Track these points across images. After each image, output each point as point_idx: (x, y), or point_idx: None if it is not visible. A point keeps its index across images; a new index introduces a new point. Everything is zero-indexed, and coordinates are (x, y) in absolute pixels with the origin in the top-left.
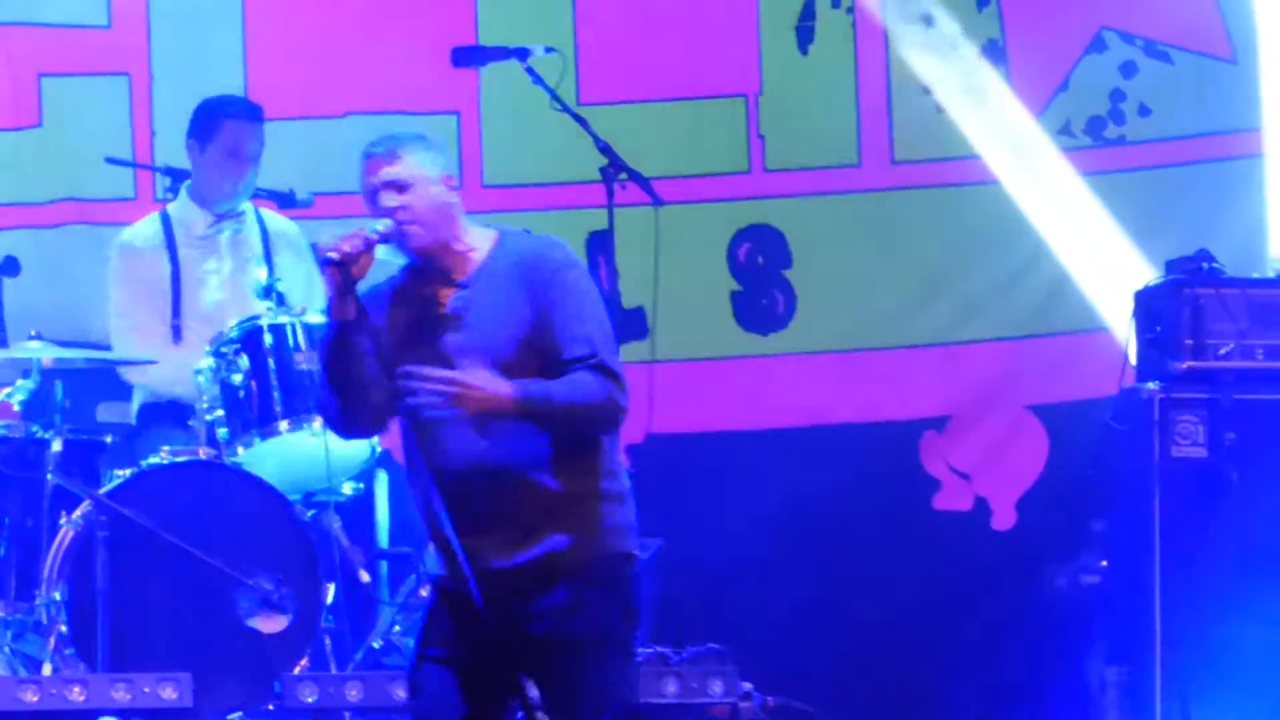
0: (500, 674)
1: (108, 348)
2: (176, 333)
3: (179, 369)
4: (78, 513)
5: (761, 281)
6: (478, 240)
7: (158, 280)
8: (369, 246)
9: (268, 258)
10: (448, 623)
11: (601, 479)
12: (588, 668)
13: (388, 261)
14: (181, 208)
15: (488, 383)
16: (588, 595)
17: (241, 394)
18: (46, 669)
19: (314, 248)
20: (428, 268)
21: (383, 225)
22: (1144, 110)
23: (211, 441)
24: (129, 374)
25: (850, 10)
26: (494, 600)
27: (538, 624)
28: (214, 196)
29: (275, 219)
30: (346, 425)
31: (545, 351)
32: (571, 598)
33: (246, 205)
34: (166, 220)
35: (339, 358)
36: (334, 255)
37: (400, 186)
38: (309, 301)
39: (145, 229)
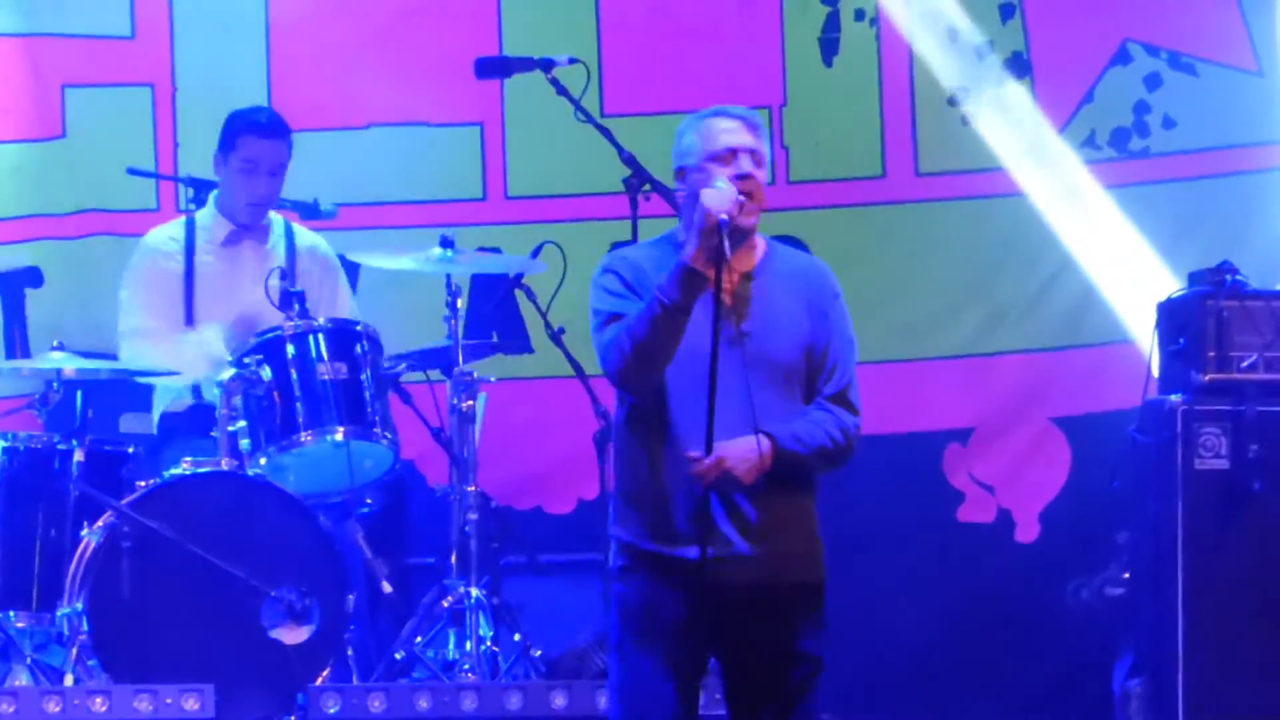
0: None
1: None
2: (189, 318)
3: (196, 347)
4: (100, 523)
5: None
6: (756, 239)
7: (171, 279)
8: (743, 214)
9: (291, 268)
10: None
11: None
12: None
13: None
14: (208, 216)
15: (750, 452)
16: None
17: (264, 404)
18: (68, 680)
19: (701, 205)
20: (719, 253)
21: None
22: (1168, 122)
23: (234, 452)
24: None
25: (874, 23)
26: None
27: None
28: (234, 209)
29: (305, 234)
30: (643, 380)
31: (812, 366)
32: None
33: (274, 218)
34: (191, 225)
35: (686, 312)
36: (726, 217)
37: (759, 160)
38: (332, 311)
39: (169, 230)
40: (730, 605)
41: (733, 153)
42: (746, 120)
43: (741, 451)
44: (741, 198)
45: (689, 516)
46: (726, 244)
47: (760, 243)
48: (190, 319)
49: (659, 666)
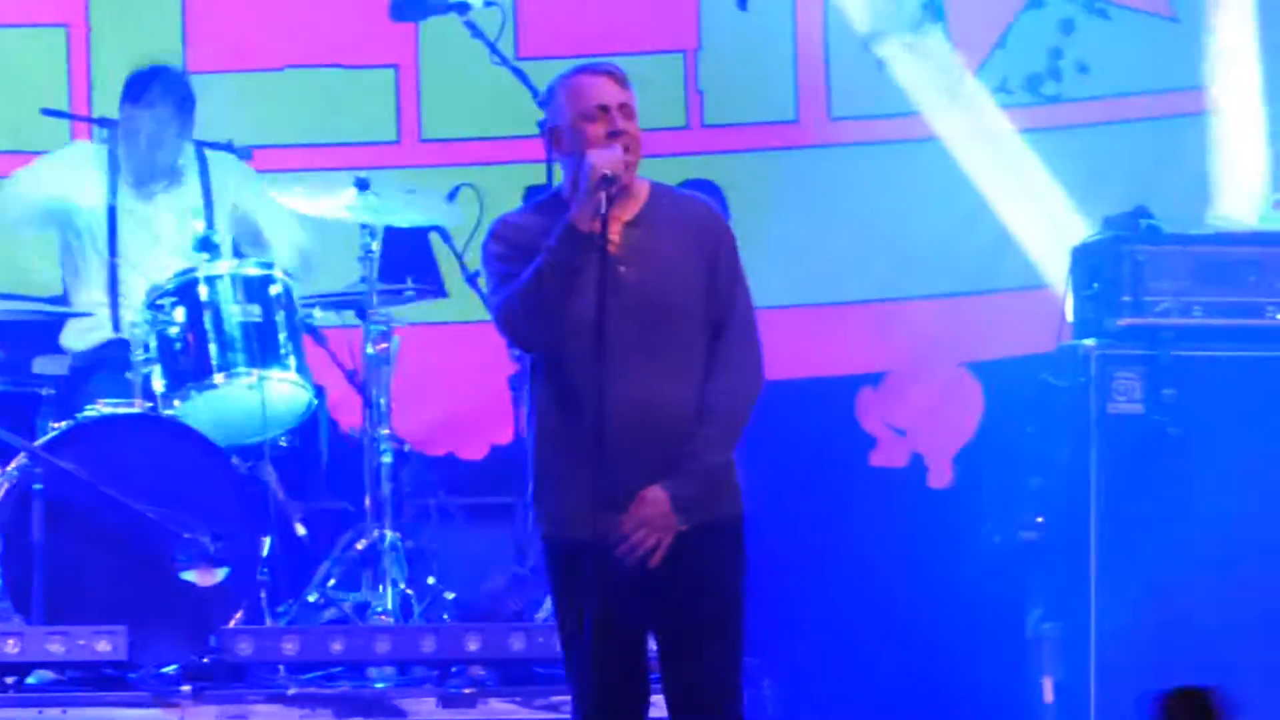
0: None
1: (46, 300)
2: (113, 271)
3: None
4: (13, 465)
5: None
6: (639, 186)
7: (95, 211)
8: (626, 170)
9: (208, 208)
10: None
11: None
12: None
13: None
14: (121, 158)
15: (666, 513)
16: None
17: (178, 346)
18: None
19: (588, 165)
20: (599, 204)
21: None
22: (1082, 67)
23: (147, 394)
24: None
25: None
26: None
27: None
28: (130, 166)
29: (222, 162)
30: (533, 338)
31: (709, 306)
32: None
33: (189, 158)
34: (113, 156)
35: (573, 272)
36: (611, 174)
37: (629, 112)
38: (279, 222)
39: (90, 147)
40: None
41: (603, 109)
42: (613, 74)
43: (655, 524)
44: (626, 156)
45: (586, 495)
46: (604, 203)
47: (643, 188)
48: (114, 251)
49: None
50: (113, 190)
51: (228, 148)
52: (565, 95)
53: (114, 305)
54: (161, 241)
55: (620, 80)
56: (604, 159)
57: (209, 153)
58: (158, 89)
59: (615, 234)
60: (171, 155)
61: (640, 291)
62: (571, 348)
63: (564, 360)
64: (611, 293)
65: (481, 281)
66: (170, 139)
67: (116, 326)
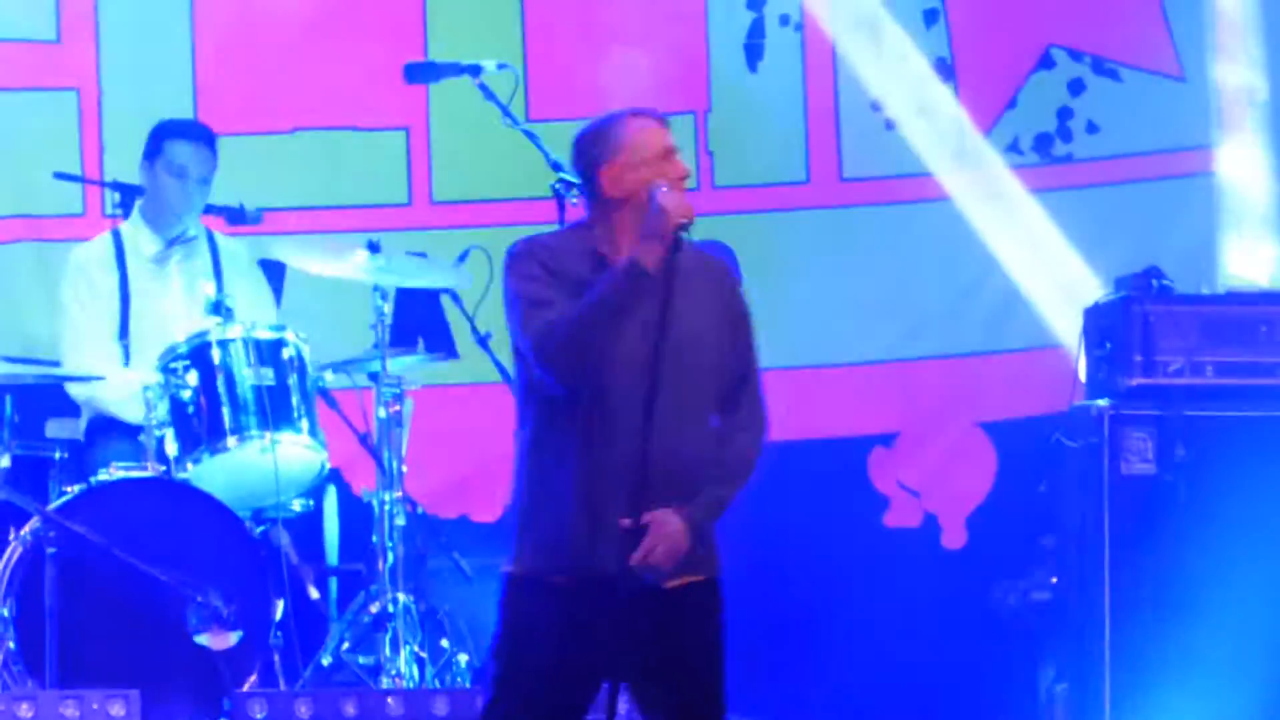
0: None
1: (56, 363)
2: (125, 353)
3: (126, 388)
4: (26, 529)
5: None
6: None
7: (108, 298)
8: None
9: (217, 275)
10: None
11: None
12: None
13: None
14: (133, 227)
15: (679, 530)
16: None
17: (190, 410)
18: None
19: (659, 205)
20: (670, 246)
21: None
22: (1092, 127)
23: (161, 457)
24: (76, 393)
25: (799, 28)
26: None
27: None
28: (160, 218)
29: (227, 241)
30: (576, 370)
31: (726, 364)
32: None
33: (198, 227)
34: (118, 239)
35: (631, 309)
36: (687, 220)
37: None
38: (259, 318)
39: (96, 248)
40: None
41: (670, 152)
42: (666, 122)
43: (671, 541)
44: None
45: (610, 534)
46: (675, 246)
47: None
48: (125, 333)
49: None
50: (121, 267)
51: (238, 211)
52: (624, 133)
53: None
54: (174, 306)
55: (668, 125)
56: (677, 202)
57: (214, 231)
58: (195, 129)
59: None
60: (200, 200)
61: (672, 337)
62: (609, 385)
63: (599, 397)
64: (642, 343)
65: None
66: (205, 179)
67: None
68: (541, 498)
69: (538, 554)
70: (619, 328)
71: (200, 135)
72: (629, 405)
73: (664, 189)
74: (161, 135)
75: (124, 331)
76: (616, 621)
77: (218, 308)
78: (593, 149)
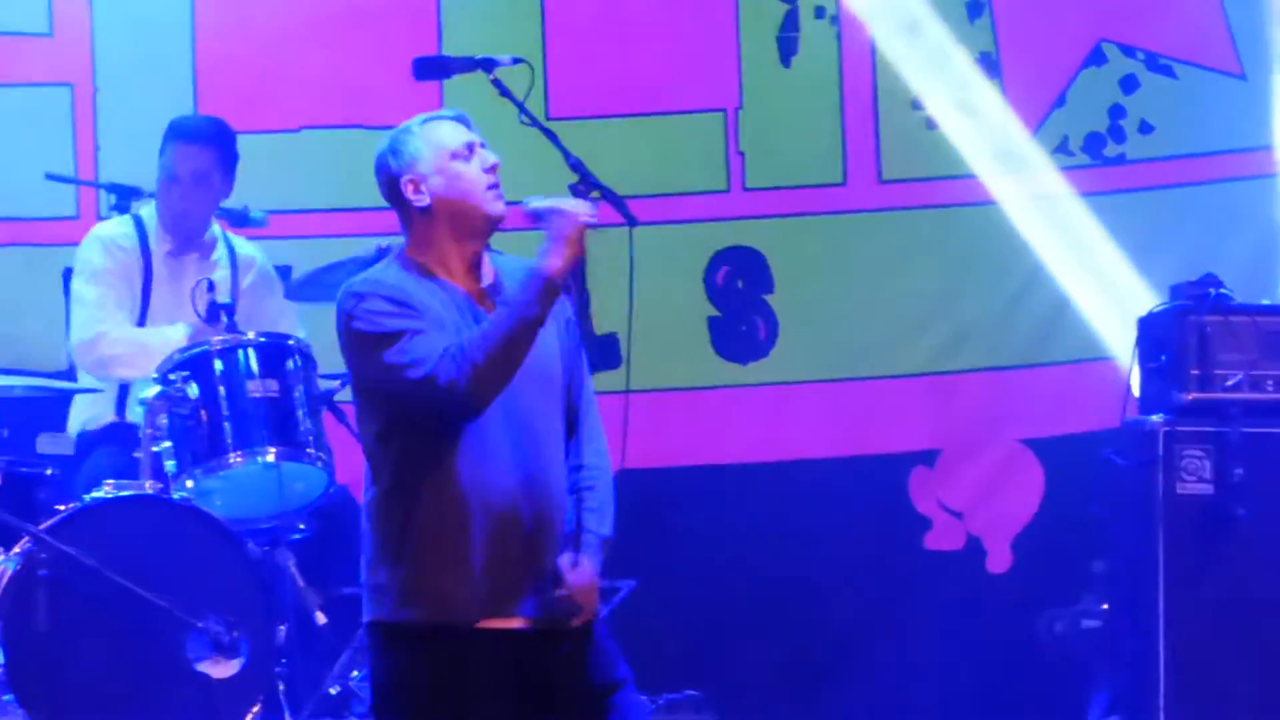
0: None
1: (48, 375)
2: (142, 320)
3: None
4: (16, 550)
5: (741, 307)
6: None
7: (132, 278)
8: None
9: (234, 280)
10: None
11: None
12: None
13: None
14: (151, 218)
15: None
16: None
17: (190, 423)
18: None
19: (568, 214)
20: (582, 253)
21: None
22: (1145, 127)
23: (158, 474)
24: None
25: (835, 21)
26: None
27: None
28: (166, 222)
29: (244, 245)
30: (489, 401)
31: (567, 377)
32: None
33: (215, 230)
34: (140, 224)
35: (536, 333)
36: (593, 220)
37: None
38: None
39: (122, 228)
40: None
41: (470, 147)
42: (462, 118)
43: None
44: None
45: (510, 577)
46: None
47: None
48: (143, 322)
49: None
50: (146, 261)
51: (243, 214)
52: (424, 141)
53: (122, 388)
54: (187, 308)
55: (469, 124)
56: (585, 207)
57: (232, 236)
58: (209, 128)
59: (480, 300)
60: (213, 203)
61: (545, 360)
62: (491, 415)
63: (475, 429)
64: None
65: None
66: (216, 184)
67: (120, 410)
68: (423, 543)
69: (432, 606)
70: (532, 343)
71: (193, 134)
72: (509, 432)
73: (541, 200)
74: (166, 136)
75: (142, 319)
76: (513, 668)
77: (217, 313)
78: (390, 165)
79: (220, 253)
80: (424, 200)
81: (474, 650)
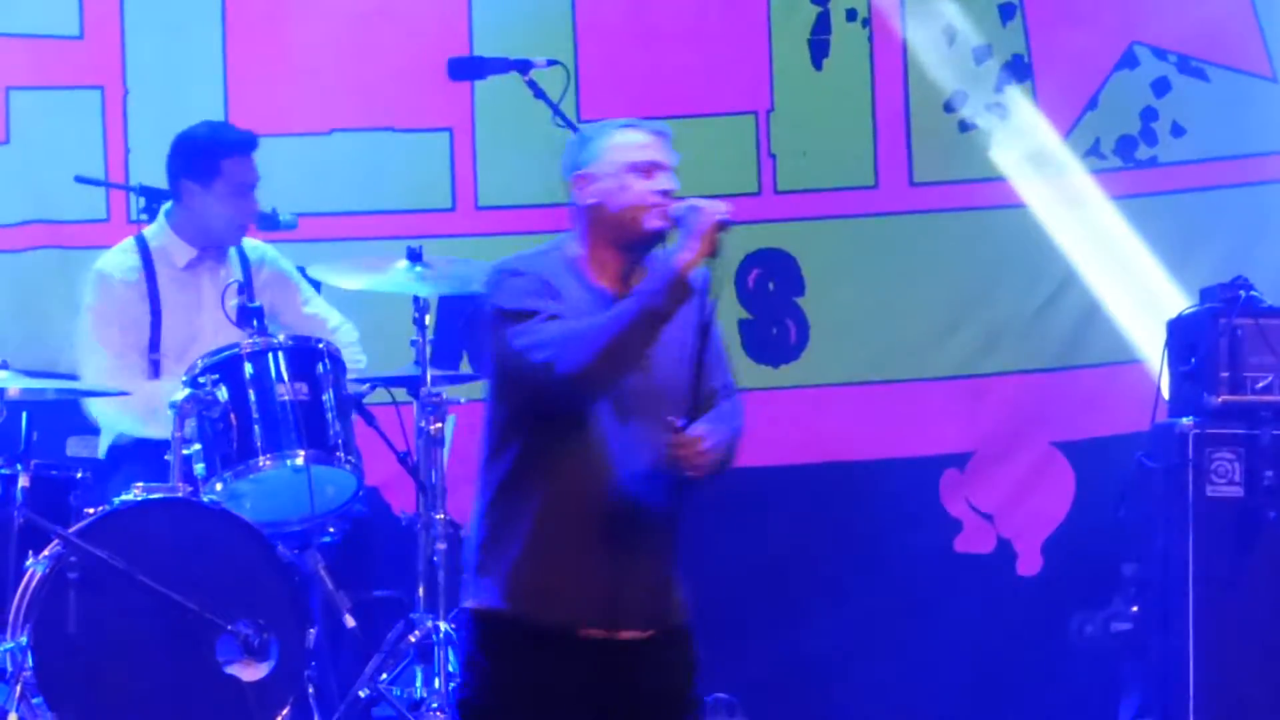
0: None
1: (78, 378)
2: (155, 367)
3: (152, 400)
4: (46, 552)
5: (772, 309)
6: None
7: (137, 314)
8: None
9: (248, 284)
10: None
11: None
12: None
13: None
14: (161, 236)
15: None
16: None
17: (220, 427)
18: (13, 719)
19: (700, 210)
20: (715, 252)
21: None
22: (1177, 130)
23: (188, 477)
24: (95, 412)
25: (867, 24)
26: None
27: None
28: (215, 235)
29: (254, 245)
30: (602, 390)
31: (698, 378)
32: None
33: None
34: (145, 249)
35: (667, 322)
36: (728, 217)
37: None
38: (300, 324)
39: (123, 259)
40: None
41: (655, 167)
42: (666, 137)
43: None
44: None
45: (595, 580)
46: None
47: None
48: (156, 348)
49: None
50: (150, 280)
51: (272, 217)
52: (610, 144)
53: None
54: (206, 318)
55: (669, 144)
56: (720, 206)
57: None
58: (249, 141)
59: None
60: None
61: (654, 370)
62: (603, 410)
63: (592, 424)
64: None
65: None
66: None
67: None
68: (533, 542)
69: (529, 595)
70: (656, 337)
71: (254, 145)
72: (627, 440)
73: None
74: (216, 153)
75: (154, 345)
76: (600, 670)
77: (248, 317)
78: (572, 155)
79: (232, 255)
80: (587, 200)
81: (571, 654)
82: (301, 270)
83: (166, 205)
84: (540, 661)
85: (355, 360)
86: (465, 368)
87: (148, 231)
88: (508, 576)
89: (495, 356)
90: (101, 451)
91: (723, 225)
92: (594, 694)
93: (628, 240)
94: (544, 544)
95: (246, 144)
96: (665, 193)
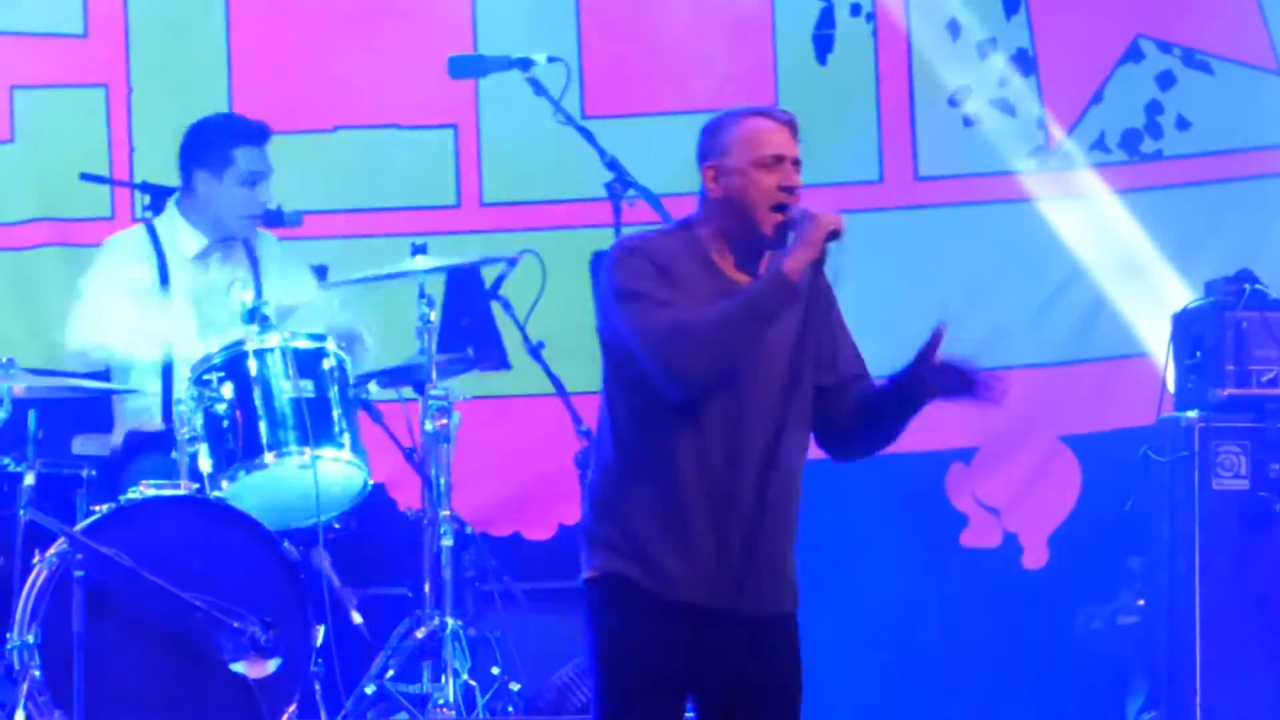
0: None
1: (84, 376)
2: (166, 368)
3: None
4: (52, 551)
5: None
6: None
7: (150, 287)
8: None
9: (255, 279)
10: None
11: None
12: None
13: None
14: (170, 226)
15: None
16: None
17: (225, 424)
18: (20, 717)
19: (816, 217)
20: (823, 259)
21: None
22: (1182, 123)
23: (194, 475)
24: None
25: (871, 18)
26: None
27: None
28: (227, 225)
29: (262, 237)
30: (709, 383)
31: (824, 368)
32: None
33: None
34: (154, 235)
35: (775, 321)
36: (837, 230)
37: (799, 167)
38: (312, 307)
39: (135, 239)
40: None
41: (779, 159)
42: (794, 125)
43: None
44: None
45: (716, 551)
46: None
47: None
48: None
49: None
50: (161, 264)
51: (277, 213)
52: (738, 134)
53: (166, 392)
54: (215, 313)
55: (796, 131)
56: (835, 219)
57: None
58: (262, 131)
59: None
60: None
61: (777, 355)
62: (735, 398)
63: (717, 408)
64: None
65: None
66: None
67: (167, 417)
68: (640, 514)
69: (640, 569)
70: (761, 337)
71: (267, 135)
72: (754, 422)
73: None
74: (229, 141)
75: (166, 378)
76: (710, 642)
77: (254, 315)
78: (704, 143)
79: (240, 249)
80: (716, 192)
81: (679, 626)
82: (314, 269)
83: (174, 196)
84: (658, 628)
85: (369, 350)
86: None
87: (157, 221)
88: (615, 546)
89: (607, 333)
90: (117, 443)
91: (834, 235)
92: (699, 667)
93: (745, 233)
94: (645, 519)
95: (259, 134)
96: (789, 189)
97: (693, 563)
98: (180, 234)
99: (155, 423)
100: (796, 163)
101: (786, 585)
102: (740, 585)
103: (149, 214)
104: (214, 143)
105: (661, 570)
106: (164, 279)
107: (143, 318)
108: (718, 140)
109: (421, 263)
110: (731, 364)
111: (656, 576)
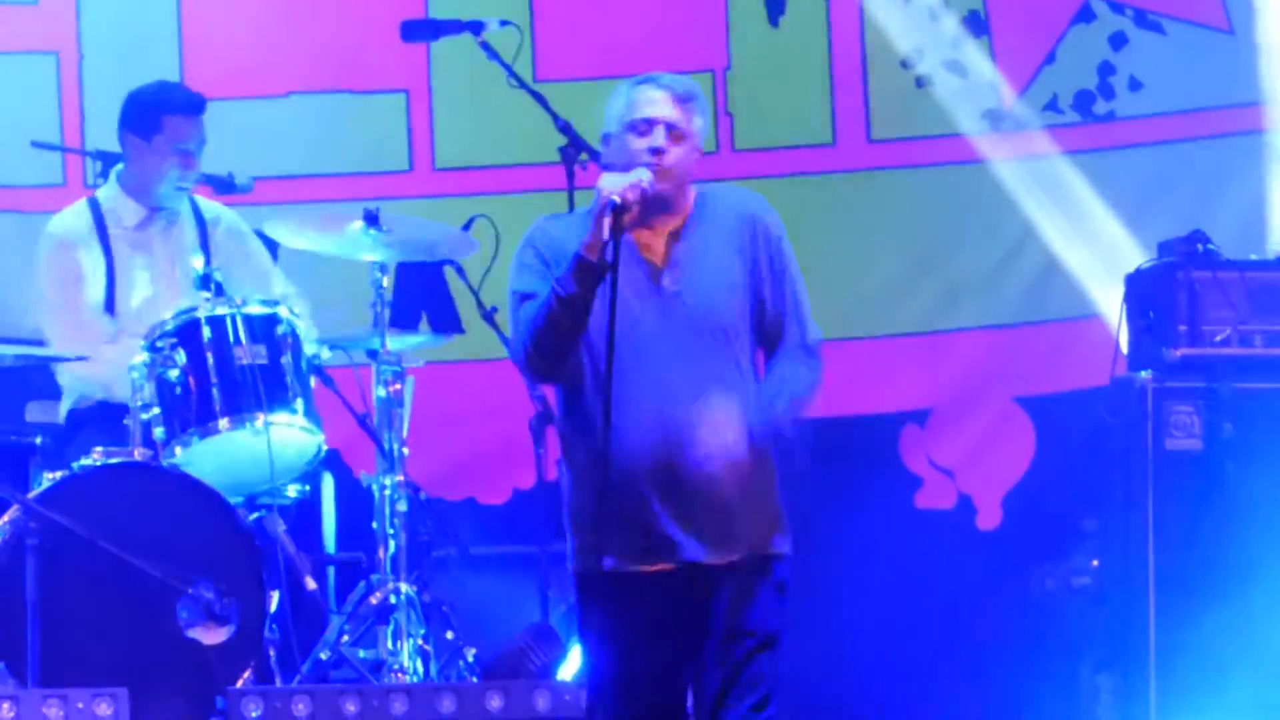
0: None
1: (37, 343)
2: (110, 305)
3: (113, 367)
4: (5, 518)
5: None
6: (686, 196)
7: (91, 274)
8: (643, 196)
9: (204, 246)
10: None
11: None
12: None
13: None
14: (112, 196)
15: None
16: None
17: (178, 391)
18: None
19: (598, 189)
20: (604, 232)
21: (647, 177)
22: (1135, 84)
23: (147, 442)
24: (61, 375)
25: None
26: None
27: None
28: (155, 193)
29: (209, 205)
30: (549, 372)
31: (759, 317)
32: None
33: None
34: (96, 209)
35: (584, 304)
36: (618, 199)
37: (679, 136)
38: (256, 285)
39: (74, 220)
40: (681, 597)
41: (650, 124)
42: (674, 92)
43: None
44: (642, 180)
45: (632, 525)
46: (606, 230)
47: (690, 196)
48: (111, 308)
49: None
50: (103, 240)
51: (228, 180)
52: (622, 102)
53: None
54: (159, 279)
55: (681, 100)
56: (614, 183)
57: (196, 196)
58: (196, 101)
59: (659, 249)
60: (196, 178)
61: (686, 308)
62: (622, 369)
63: (599, 390)
64: (659, 310)
65: (500, 318)
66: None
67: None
68: (575, 493)
69: (583, 552)
70: (579, 320)
71: (201, 107)
72: (638, 383)
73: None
74: (159, 108)
75: (109, 306)
76: (664, 609)
77: (206, 281)
78: (605, 117)
79: (186, 214)
80: (606, 158)
81: (623, 594)
82: (259, 234)
83: (118, 167)
84: (617, 607)
85: (305, 335)
86: (424, 328)
87: (100, 193)
88: (571, 535)
89: None
90: (61, 416)
91: (615, 208)
92: (651, 629)
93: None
94: (577, 499)
95: (191, 105)
96: (657, 150)
97: (623, 530)
98: (119, 205)
99: (96, 398)
100: (671, 128)
101: (731, 536)
102: (670, 543)
103: (101, 182)
104: (145, 110)
105: (595, 548)
106: (106, 250)
107: (94, 308)
108: (609, 109)
109: (374, 251)
110: (559, 349)
111: (592, 555)
